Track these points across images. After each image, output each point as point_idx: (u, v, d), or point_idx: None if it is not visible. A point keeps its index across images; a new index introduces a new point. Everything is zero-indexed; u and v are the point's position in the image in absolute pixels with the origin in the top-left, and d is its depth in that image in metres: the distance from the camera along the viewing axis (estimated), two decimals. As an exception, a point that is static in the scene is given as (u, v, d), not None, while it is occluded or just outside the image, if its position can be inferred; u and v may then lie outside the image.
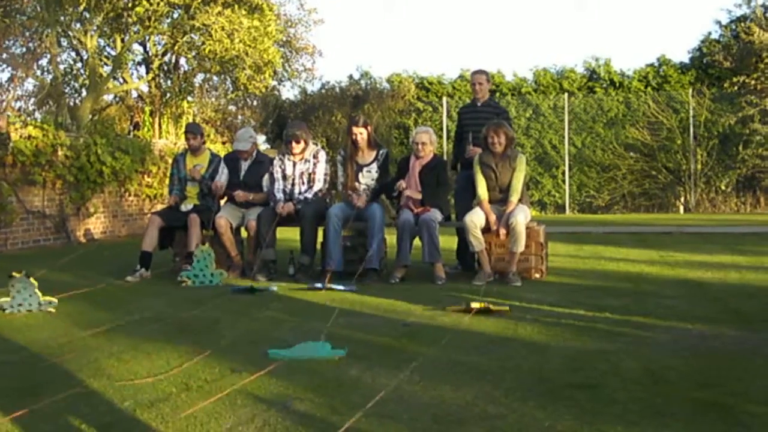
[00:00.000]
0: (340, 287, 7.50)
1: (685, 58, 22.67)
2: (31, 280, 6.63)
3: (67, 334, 5.67)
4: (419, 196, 8.30)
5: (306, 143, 8.75)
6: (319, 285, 7.57)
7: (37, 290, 6.63)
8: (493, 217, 7.97)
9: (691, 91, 21.42)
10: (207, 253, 8.13)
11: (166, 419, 3.67)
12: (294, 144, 8.66)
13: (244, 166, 9.04)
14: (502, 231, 7.91)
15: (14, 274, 6.61)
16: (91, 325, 5.96)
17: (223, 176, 9.03)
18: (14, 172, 12.08)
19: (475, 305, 6.08)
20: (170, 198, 9.24)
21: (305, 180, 8.67)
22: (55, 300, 6.70)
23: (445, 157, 14.34)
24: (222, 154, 10.17)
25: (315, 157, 8.73)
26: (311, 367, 4.59)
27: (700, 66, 22.09)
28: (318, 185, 8.67)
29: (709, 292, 7.15)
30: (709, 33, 22.38)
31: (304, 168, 8.68)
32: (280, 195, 8.63)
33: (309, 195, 8.58)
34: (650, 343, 5.07)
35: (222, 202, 9.17)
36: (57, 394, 4.08)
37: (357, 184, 8.54)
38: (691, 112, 21.23)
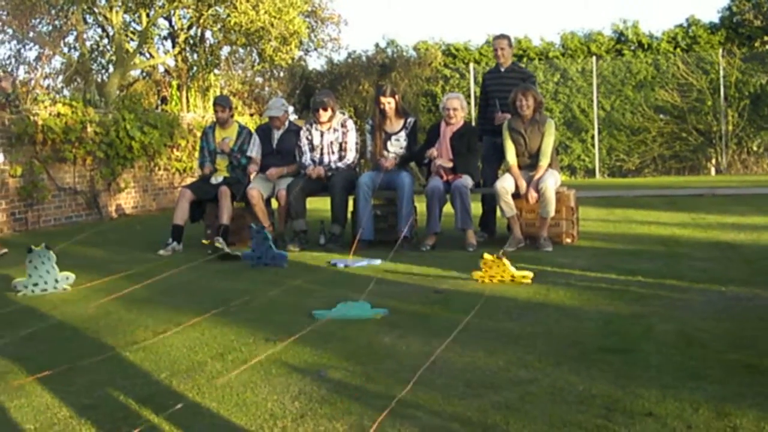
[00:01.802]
0: (363, 263, 7.43)
1: (715, 18, 22.40)
2: (51, 253, 6.44)
3: (101, 307, 5.73)
4: (451, 165, 8.27)
5: (333, 111, 8.76)
6: (336, 262, 7.54)
7: (55, 264, 6.45)
8: (523, 183, 7.93)
9: (721, 51, 21.11)
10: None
11: (202, 390, 3.71)
12: (321, 112, 8.68)
13: (277, 134, 9.07)
14: (532, 195, 7.86)
15: (33, 247, 6.48)
16: (125, 298, 6.01)
17: (254, 150, 9.06)
18: (45, 150, 12.17)
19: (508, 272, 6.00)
20: (204, 168, 9.28)
21: (335, 149, 8.70)
22: (72, 275, 6.56)
23: (473, 123, 14.26)
24: (250, 126, 10.18)
25: (343, 126, 8.75)
26: (345, 335, 4.62)
27: (730, 26, 21.75)
28: (350, 155, 8.69)
29: (742, 254, 7.10)
30: (739, -9, 22.07)
31: (333, 137, 8.70)
32: (308, 162, 8.67)
33: (341, 165, 8.61)
34: (683, 306, 5.06)
35: (252, 175, 9.19)
36: (94, 367, 4.13)
37: (386, 152, 8.53)
38: (722, 73, 20.94)
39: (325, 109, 8.69)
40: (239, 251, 7.93)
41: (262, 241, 7.38)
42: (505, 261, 6.08)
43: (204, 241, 8.06)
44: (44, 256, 6.45)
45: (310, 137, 8.75)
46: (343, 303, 5.29)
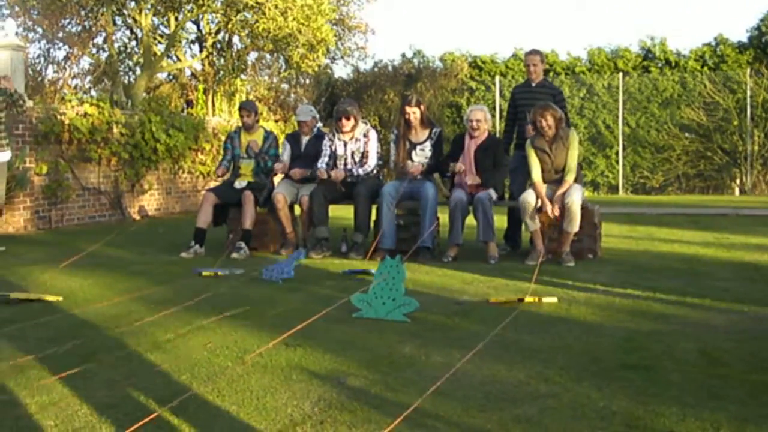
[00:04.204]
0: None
1: (744, 37, 22.21)
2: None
3: (123, 309, 5.76)
4: (478, 181, 8.22)
5: (356, 120, 8.78)
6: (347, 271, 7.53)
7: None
8: (546, 201, 7.89)
9: (748, 71, 21.02)
10: None
11: (222, 393, 3.72)
12: (344, 120, 8.70)
13: (305, 140, 9.14)
14: (557, 208, 7.83)
15: (12, 296, 6.07)
16: (147, 299, 6.05)
17: (285, 155, 9.13)
18: (70, 149, 12.26)
19: (528, 298, 5.88)
20: (219, 170, 9.33)
21: (357, 159, 8.71)
22: (59, 298, 6.18)
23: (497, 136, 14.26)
24: (275, 131, 10.23)
25: (366, 135, 8.77)
26: (365, 344, 4.63)
27: (759, 45, 21.64)
28: (371, 161, 8.70)
29: (765, 275, 7.05)
30: (769, 11, 21.96)
31: (355, 147, 8.72)
32: (322, 166, 8.70)
33: (361, 171, 8.63)
34: (705, 325, 5.03)
35: (276, 180, 9.24)
36: (115, 367, 4.16)
37: (410, 162, 8.53)
38: (749, 93, 20.84)
39: (348, 118, 8.71)
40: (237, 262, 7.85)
41: (290, 261, 7.19)
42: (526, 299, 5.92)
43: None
44: None
45: (333, 146, 8.76)
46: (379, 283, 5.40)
